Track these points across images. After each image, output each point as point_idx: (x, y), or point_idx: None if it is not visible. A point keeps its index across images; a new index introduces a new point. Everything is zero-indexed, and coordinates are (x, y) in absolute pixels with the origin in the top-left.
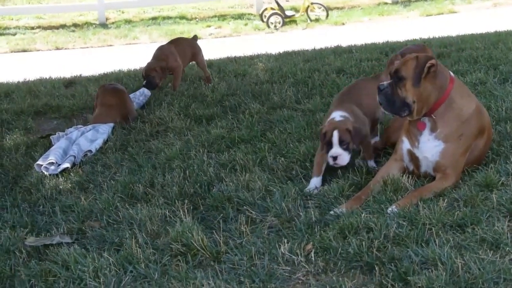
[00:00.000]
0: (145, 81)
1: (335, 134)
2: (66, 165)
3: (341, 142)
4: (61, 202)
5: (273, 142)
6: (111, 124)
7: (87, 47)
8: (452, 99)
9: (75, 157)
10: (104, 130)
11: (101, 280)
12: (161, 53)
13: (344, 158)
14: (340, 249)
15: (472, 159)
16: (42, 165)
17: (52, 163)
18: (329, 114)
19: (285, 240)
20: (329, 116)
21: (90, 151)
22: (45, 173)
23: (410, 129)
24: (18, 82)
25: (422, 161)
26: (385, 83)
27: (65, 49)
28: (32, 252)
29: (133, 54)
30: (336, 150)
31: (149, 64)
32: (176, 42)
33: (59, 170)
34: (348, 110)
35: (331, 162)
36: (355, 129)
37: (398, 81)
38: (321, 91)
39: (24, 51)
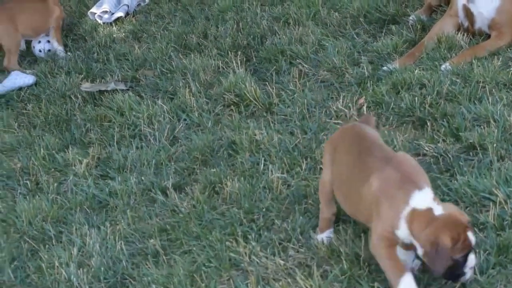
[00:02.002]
0: None
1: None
2: (120, 14)
3: None
4: (115, 50)
5: None
6: None
7: None
8: None
9: (128, 6)
10: None
11: (155, 126)
12: None
13: None
14: (392, 104)
15: None
16: (96, 13)
17: (105, 12)
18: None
19: (337, 94)
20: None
21: (143, 0)
22: (99, 21)
23: None
24: None
25: (477, 17)
26: None
27: None
28: (87, 97)
29: None
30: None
31: None
32: None
33: (112, 19)
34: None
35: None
36: None
37: None
38: None
39: None
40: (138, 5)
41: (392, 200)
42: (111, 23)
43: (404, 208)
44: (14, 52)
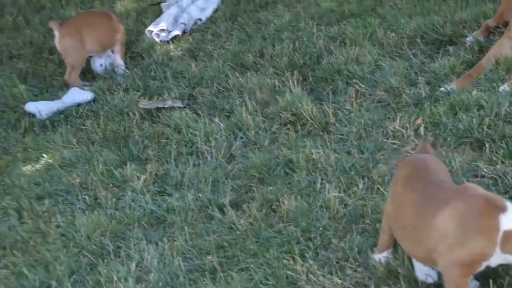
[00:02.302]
0: None
1: None
2: (177, 32)
3: None
4: (172, 68)
5: (383, 17)
6: None
7: None
8: None
9: (185, 24)
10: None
11: (212, 144)
12: None
13: None
14: (450, 125)
15: None
16: (153, 31)
17: (163, 30)
18: None
19: (394, 114)
20: None
21: (200, 19)
22: (156, 39)
23: None
24: None
25: None
26: None
27: None
28: (145, 114)
29: None
30: None
31: None
32: None
33: (170, 37)
34: None
35: None
36: None
37: None
38: None
39: None
40: (195, 23)
41: (480, 229)
42: (168, 41)
43: (496, 233)
44: (77, 68)
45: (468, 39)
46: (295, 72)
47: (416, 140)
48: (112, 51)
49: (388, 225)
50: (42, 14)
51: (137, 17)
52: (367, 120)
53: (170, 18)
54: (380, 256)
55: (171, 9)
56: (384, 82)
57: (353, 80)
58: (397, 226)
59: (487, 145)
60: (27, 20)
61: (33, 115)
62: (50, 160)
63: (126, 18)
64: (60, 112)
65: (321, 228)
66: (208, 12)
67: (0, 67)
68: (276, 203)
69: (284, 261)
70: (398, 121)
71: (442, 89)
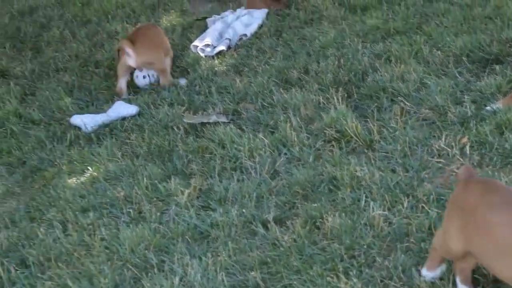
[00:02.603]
0: None
1: None
2: (222, 47)
3: None
4: (216, 83)
5: (429, 35)
6: (265, 10)
7: None
8: None
9: (230, 40)
10: (258, 15)
11: (256, 159)
12: None
13: None
14: (496, 144)
15: None
16: (198, 46)
17: (208, 45)
18: None
19: (439, 133)
20: None
21: (245, 35)
22: (201, 54)
23: None
24: None
25: None
26: None
27: None
28: (190, 129)
29: None
30: None
31: None
32: None
33: (215, 52)
34: None
35: None
36: None
37: None
38: None
39: None
40: (240, 39)
41: None
42: (213, 56)
43: None
44: (168, 70)
45: None
46: (340, 89)
47: (461, 159)
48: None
49: (461, 250)
50: (88, 27)
51: (183, 32)
52: (412, 138)
53: (215, 33)
54: (427, 275)
55: (216, 24)
56: (429, 100)
57: (398, 97)
58: (486, 249)
59: None
60: (73, 34)
61: (79, 128)
62: (95, 173)
63: (172, 32)
64: (105, 126)
65: (365, 246)
66: (253, 27)
67: (46, 80)
68: (320, 220)
69: (328, 278)
70: (443, 139)
71: (488, 108)
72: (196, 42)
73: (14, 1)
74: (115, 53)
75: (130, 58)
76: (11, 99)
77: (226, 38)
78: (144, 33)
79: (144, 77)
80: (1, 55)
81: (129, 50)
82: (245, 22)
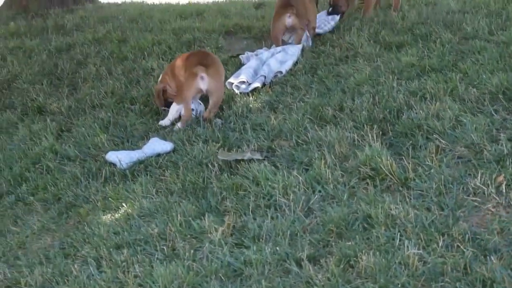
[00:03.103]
0: (331, 8)
1: None
2: (257, 84)
3: None
4: (251, 120)
5: (465, 72)
6: (300, 46)
7: None
8: None
9: (265, 77)
10: (293, 52)
11: (290, 197)
12: None
13: None
14: None
15: None
16: (233, 83)
17: (243, 82)
18: None
19: (475, 171)
20: None
21: (280, 72)
22: (236, 91)
23: None
24: (208, 2)
25: None
26: None
27: None
28: (224, 166)
29: None
30: None
31: None
32: None
33: (249, 89)
34: None
35: None
36: None
37: None
38: None
39: None
40: (275, 76)
41: None
42: (248, 93)
43: None
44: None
45: None
46: (375, 126)
47: (497, 198)
48: None
49: None
50: (124, 64)
51: None
52: (447, 176)
53: (250, 71)
54: None
55: (251, 61)
56: (464, 138)
57: (433, 135)
58: None
59: None
60: (109, 70)
61: (114, 165)
62: (130, 210)
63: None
64: (140, 162)
65: (399, 285)
66: (288, 65)
67: (82, 116)
68: (354, 258)
69: None
70: (479, 178)
71: None
72: (231, 79)
73: (52, 38)
74: (158, 91)
75: (203, 82)
76: (47, 135)
77: (261, 75)
78: (212, 61)
79: (192, 109)
80: (38, 92)
81: (203, 74)
82: (280, 59)
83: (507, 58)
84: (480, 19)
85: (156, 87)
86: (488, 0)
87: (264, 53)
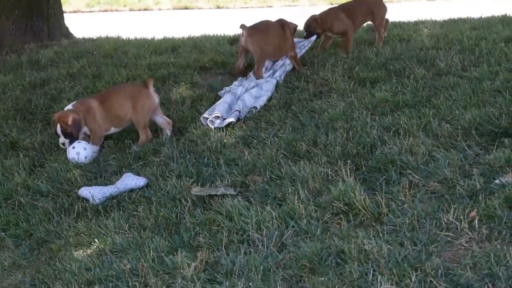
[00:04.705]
0: (305, 33)
1: None
2: (231, 119)
3: None
4: (225, 155)
5: (438, 108)
6: (274, 81)
7: (247, 7)
8: None
9: (240, 112)
10: (267, 88)
11: (264, 232)
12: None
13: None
14: (505, 218)
15: None
16: (208, 118)
17: (218, 117)
18: None
19: (448, 206)
20: None
21: (255, 107)
22: (211, 126)
23: None
24: (183, 37)
25: None
26: None
27: (226, 8)
28: (197, 201)
29: (292, 16)
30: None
31: (310, 17)
32: (348, 5)
33: (224, 124)
34: None
35: None
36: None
37: None
38: (489, 59)
39: (186, 8)
40: (249, 111)
41: None
42: (222, 128)
43: None
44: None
45: None
46: (348, 161)
47: (470, 233)
48: None
49: None
50: None
51: (192, 104)
52: (420, 211)
53: (224, 106)
54: None
55: (226, 96)
56: (438, 173)
57: (407, 170)
58: None
59: None
60: None
61: (87, 200)
62: (102, 245)
63: (181, 105)
64: (113, 197)
65: None
66: (263, 100)
67: (55, 151)
68: None
69: None
70: (452, 213)
71: (497, 181)
72: (205, 114)
73: (26, 73)
74: None
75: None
76: (20, 171)
77: (236, 110)
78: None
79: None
80: (11, 127)
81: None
82: (254, 94)
83: (480, 94)
84: (453, 55)
85: None
86: (461, 37)
87: (238, 88)
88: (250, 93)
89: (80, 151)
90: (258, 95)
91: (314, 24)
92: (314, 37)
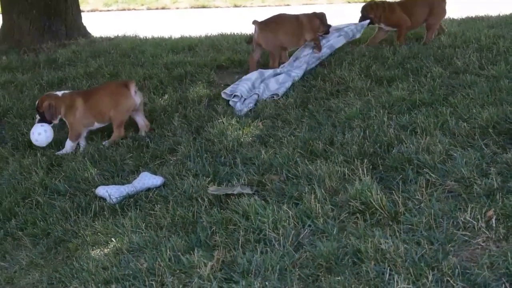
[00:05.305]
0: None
1: None
2: (250, 106)
3: None
4: (242, 154)
5: (455, 106)
6: (304, 68)
7: (265, 6)
8: None
9: (258, 95)
10: (296, 74)
11: (280, 231)
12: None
13: None
14: None
15: None
16: (227, 93)
17: (237, 97)
18: None
19: (465, 205)
20: None
21: (276, 94)
22: (233, 106)
23: None
24: (201, 36)
25: None
26: None
27: (243, 6)
28: (214, 200)
29: None
30: None
31: (368, 1)
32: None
33: (243, 112)
34: None
35: None
36: None
37: None
38: (506, 58)
39: (204, 7)
40: (271, 97)
41: None
42: (239, 127)
43: None
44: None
45: None
46: (365, 160)
47: (487, 232)
48: None
49: None
50: None
51: (209, 103)
52: (437, 211)
53: (248, 84)
54: None
55: (252, 73)
56: (455, 172)
57: (424, 169)
58: None
59: None
60: None
61: (104, 199)
62: (119, 245)
63: (198, 104)
64: (130, 197)
65: None
66: (286, 87)
67: (73, 151)
68: None
69: None
70: (469, 212)
71: None
72: (227, 90)
73: (44, 72)
74: None
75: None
76: (37, 170)
77: (255, 94)
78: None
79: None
80: (29, 126)
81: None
82: (280, 80)
83: (497, 92)
84: (470, 53)
85: None
86: (478, 35)
87: (270, 70)
88: (276, 79)
89: (39, 131)
90: (284, 81)
91: (369, 9)
92: (366, 22)
